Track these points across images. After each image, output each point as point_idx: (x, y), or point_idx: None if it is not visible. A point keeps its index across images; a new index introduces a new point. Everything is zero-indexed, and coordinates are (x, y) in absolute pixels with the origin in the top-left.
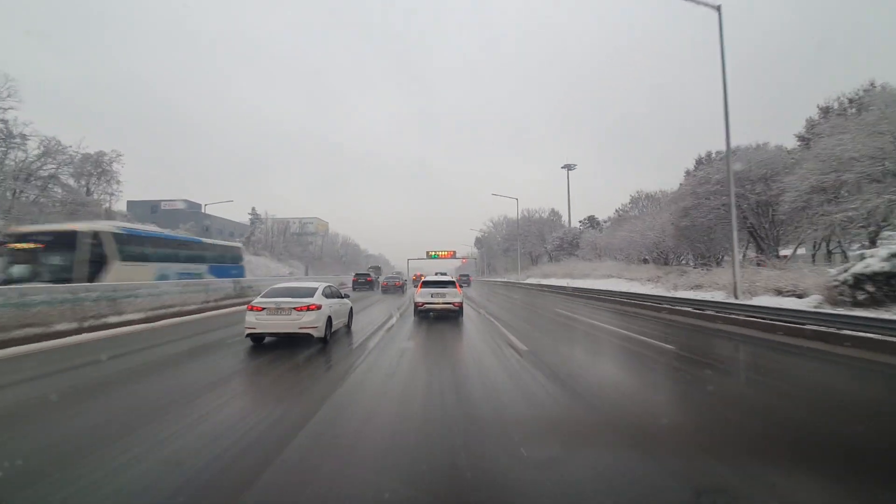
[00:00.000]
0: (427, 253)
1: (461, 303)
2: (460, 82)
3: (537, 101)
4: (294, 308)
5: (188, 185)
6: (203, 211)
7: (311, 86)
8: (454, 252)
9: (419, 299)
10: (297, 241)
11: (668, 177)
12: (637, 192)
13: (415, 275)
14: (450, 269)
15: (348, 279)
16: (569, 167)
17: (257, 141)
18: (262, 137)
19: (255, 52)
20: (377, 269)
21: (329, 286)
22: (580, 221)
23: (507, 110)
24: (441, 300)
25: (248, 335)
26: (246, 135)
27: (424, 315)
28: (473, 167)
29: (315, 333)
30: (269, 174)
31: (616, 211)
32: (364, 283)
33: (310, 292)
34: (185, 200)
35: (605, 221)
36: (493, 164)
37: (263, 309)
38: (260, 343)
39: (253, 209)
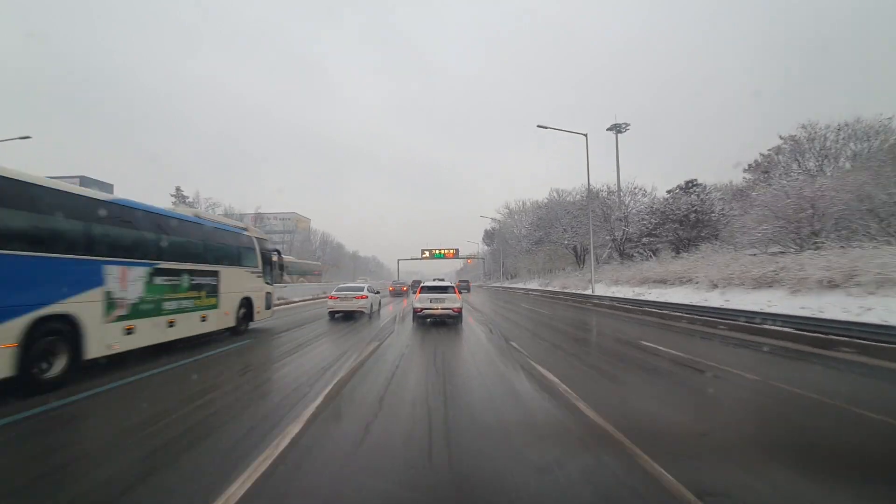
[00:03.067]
0: (422, 252)
1: (461, 308)
2: (461, 69)
3: (548, 89)
4: (354, 297)
5: (161, 175)
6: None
7: (296, 69)
8: (457, 251)
9: (418, 305)
10: None
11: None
12: (808, 121)
13: (412, 281)
14: (449, 272)
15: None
16: (617, 128)
17: (242, 133)
18: (248, 130)
19: (236, 33)
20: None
21: (370, 286)
22: (669, 191)
23: (515, 100)
24: (440, 305)
25: (329, 311)
26: (228, 126)
27: (422, 321)
28: (476, 162)
29: (365, 311)
30: (254, 170)
31: (754, 163)
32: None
33: (361, 289)
34: (84, 177)
35: (712, 187)
36: (499, 158)
37: (338, 298)
38: (333, 317)
39: (178, 190)
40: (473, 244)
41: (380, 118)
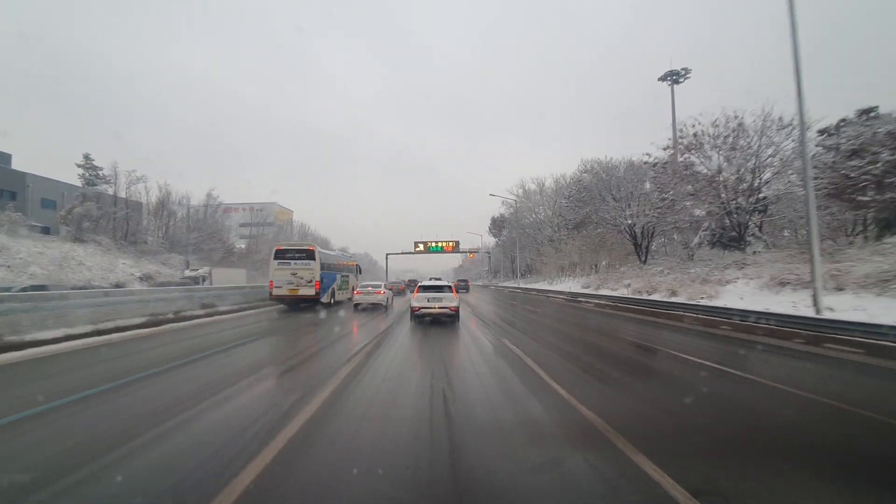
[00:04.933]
0: (415, 245)
1: (457, 307)
2: (456, 57)
3: (553, 76)
4: (375, 292)
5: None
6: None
7: (284, 58)
8: (456, 244)
9: (415, 304)
10: (200, 228)
11: None
12: None
13: (408, 280)
14: (447, 271)
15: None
16: (673, 77)
17: (223, 122)
18: (232, 121)
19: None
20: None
21: (387, 283)
22: (823, 131)
23: (514, 89)
24: (437, 304)
25: (355, 303)
26: (205, 113)
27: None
28: (476, 155)
29: (383, 303)
30: (235, 161)
31: None
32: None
33: (379, 287)
34: None
35: None
36: (499, 151)
37: (362, 293)
38: (357, 308)
39: (87, 158)
40: (477, 236)
41: (373, 110)
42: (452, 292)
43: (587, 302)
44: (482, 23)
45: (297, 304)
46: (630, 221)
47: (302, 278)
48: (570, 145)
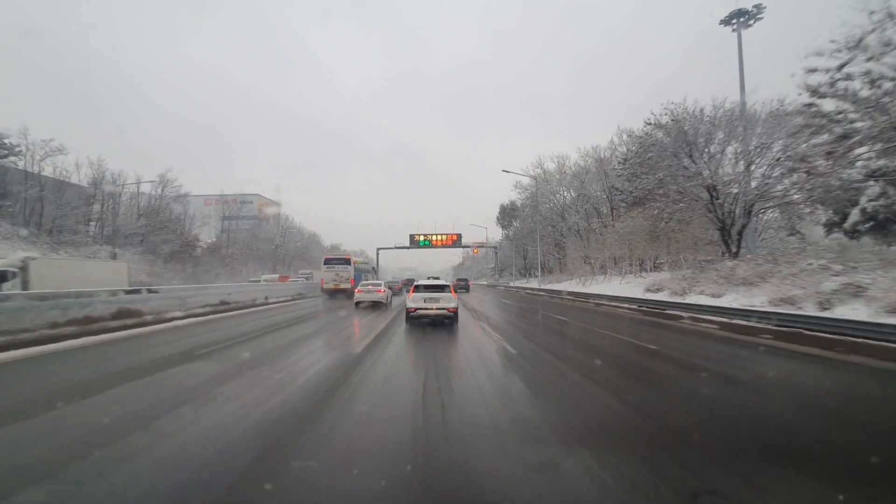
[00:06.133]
0: (411, 238)
1: (456, 308)
2: (456, 47)
3: (555, 63)
4: (375, 290)
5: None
6: None
7: (273, 42)
8: (458, 237)
9: (411, 304)
10: (149, 216)
11: None
12: None
13: (405, 279)
14: (446, 269)
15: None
16: (741, 17)
17: (223, 119)
18: (228, 115)
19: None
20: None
21: (387, 282)
22: None
23: (513, 80)
24: (435, 305)
25: (356, 301)
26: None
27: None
28: (478, 149)
29: (383, 301)
30: (237, 157)
31: None
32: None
33: (379, 284)
34: None
35: None
36: (501, 145)
37: (363, 291)
38: (358, 305)
39: None
40: (481, 229)
41: (371, 105)
42: (451, 292)
43: (702, 321)
44: (483, 18)
45: (337, 295)
46: (736, 189)
47: (342, 277)
48: (573, 142)
